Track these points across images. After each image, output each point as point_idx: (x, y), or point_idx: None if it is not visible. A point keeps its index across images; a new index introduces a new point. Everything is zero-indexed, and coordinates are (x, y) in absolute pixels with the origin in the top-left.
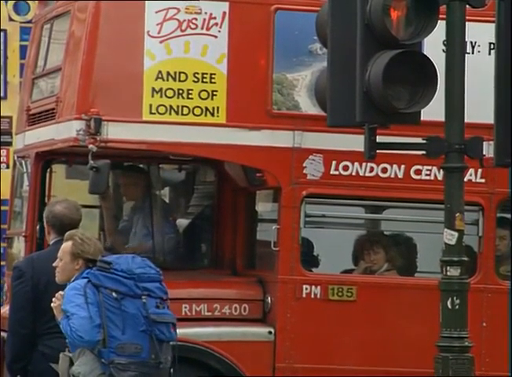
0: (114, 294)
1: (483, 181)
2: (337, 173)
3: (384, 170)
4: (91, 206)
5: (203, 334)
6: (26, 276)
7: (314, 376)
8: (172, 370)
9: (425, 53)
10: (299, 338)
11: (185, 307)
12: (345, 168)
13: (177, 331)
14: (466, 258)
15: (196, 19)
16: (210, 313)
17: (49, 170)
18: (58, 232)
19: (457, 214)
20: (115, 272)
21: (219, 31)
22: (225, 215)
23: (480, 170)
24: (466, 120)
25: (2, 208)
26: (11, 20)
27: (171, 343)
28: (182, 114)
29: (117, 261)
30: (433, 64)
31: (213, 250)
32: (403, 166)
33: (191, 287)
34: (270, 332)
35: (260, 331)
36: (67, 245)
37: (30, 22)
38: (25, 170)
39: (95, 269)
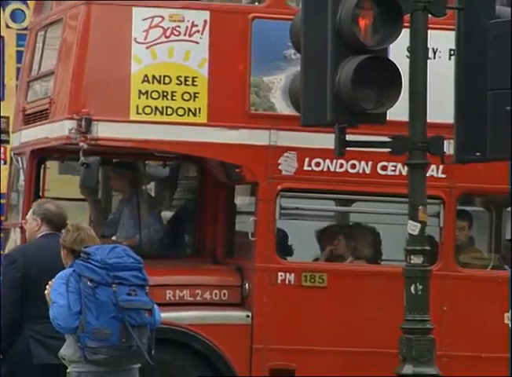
0: (89, 282)
1: (444, 176)
2: (309, 169)
3: (353, 166)
4: (82, 200)
5: (186, 317)
6: (17, 263)
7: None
8: (152, 351)
9: (390, 58)
10: (274, 322)
11: (169, 293)
12: (317, 164)
13: (162, 314)
14: (428, 247)
15: (179, 26)
16: (192, 298)
17: (43, 165)
18: (53, 226)
19: (420, 207)
20: (91, 261)
21: (200, 38)
22: (206, 208)
23: (441, 166)
24: (428, 120)
25: (0, 201)
26: (8, 27)
27: (150, 327)
28: (166, 114)
29: (95, 251)
30: (397, 69)
31: (195, 240)
32: (370, 163)
33: (174, 274)
34: (248, 316)
35: (238, 315)
36: None
37: (25, 29)
38: (21, 166)
39: (79, 260)
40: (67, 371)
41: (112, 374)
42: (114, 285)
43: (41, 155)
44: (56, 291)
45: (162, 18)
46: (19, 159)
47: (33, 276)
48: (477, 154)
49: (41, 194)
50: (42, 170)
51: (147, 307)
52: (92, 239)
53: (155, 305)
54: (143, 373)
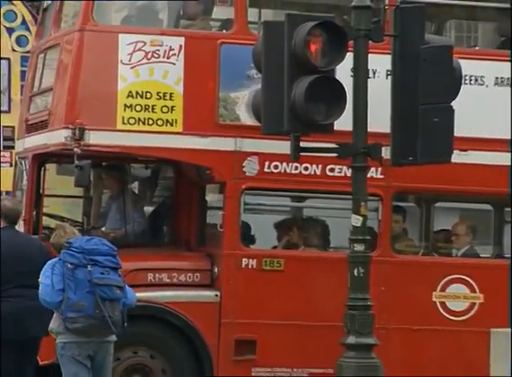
0: (69, 265)
1: (382, 177)
2: (269, 170)
3: (306, 168)
4: (76, 197)
5: (164, 296)
6: None
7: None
8: (124, 323)
9: (337, 77)
10: (239, 300)
11: (150, 275)
12: (276, 167)
13: (145, 294)
14: (368, 237)
15: (159, 50)
16: (169, 280)
17: (43, 168)
18: (9, 221)
19: (362, 203)
20: (71, 248)
21: (177, 60)
22: (182, 204)
23: (379, 169)
24: (368, 130)
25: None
26: (14, 50)
27: (124, 304)
28: (148, 124)
29: (75, 241)
30: (343, 87)
31: (172, 231)
32: (320, 166)
33: (154, 260)
34: (216, 295)
35: (209, 294)
36: None
37: (28, 52)
38: (24, 168)
39: (64, 250)
40: (56, 342)
41: (90, 344)
42: (89, 266)
43: (41, 159)
44: (44, 275)
45: (144, 43)
46: (22, 162)
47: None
48: (410, 158)
49: (41, 192)
50: (42, 172)
51: (118, 284)
52: (71, 234)
53: (129, 288)
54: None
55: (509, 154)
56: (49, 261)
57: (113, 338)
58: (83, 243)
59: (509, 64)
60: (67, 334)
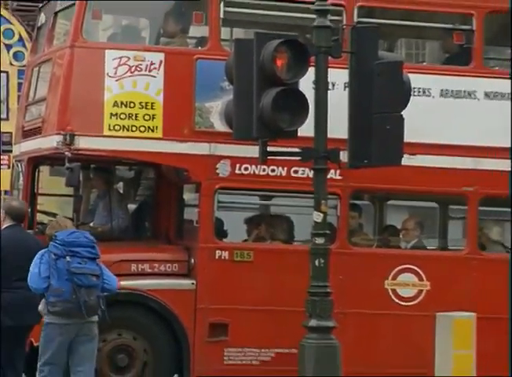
0: (53, 255)
1: (340, 178)
2: (240, 172)
3: (272, 170)
4: (67, 195)
5: (146, 285)
6: None
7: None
8: (102, 306)
9: (300, 89)
10: (213, 287)
11: (133, 266)
12: (246, 169)
13: (128, 282)
14: (328, 232)
15: (141, 64)
16: (151, 270)
17: (37, 169)
18: (15, 219)
19: (322, 201)
20: (56, 241)
21: (157, 73)
22: (162, 202)
23: (338, 171)
24: (328, 136)
25: (4, 197)
26: (11, 64)
27: (108, 288)
28: (131, 131)
29: (60, 234)
30: (305, 97)
31: (153, 226)
32: (285, 168)
33: (138, 252)
34: (193, 283)
35: (186, 283)
36: None
37: (24, 66)
38: (21, 170)
39: (51, 241)
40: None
41: (72, 325)
42: (68, 257)
43: (36, 162)
44: (34, 263)
45: (128, 58)
46: (19, 164)
47: (3, 255)
48: (365, 161)
49: (36, 191)
50: (36, 173)
51: (94, 273)
52: (64, 227)
53: (112, 275)
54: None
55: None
56: (39, 251)
57: (94, 318)
58: (65, 236)
59: (452, 77)
60: (50, 316)
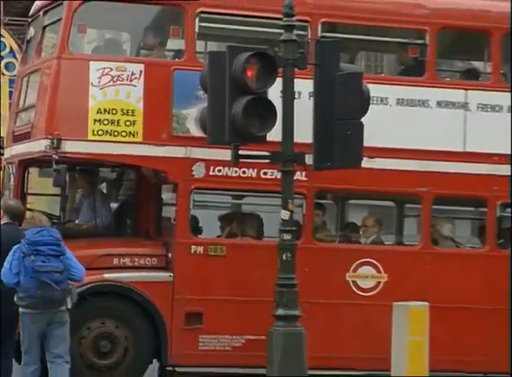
0: (22, 254)
1: (305, 179)
2: (214, 173)
3: (244, 172)
4: (55, 195)
5: (128, 277)
6: None
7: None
8: (68, 299)
9: (269, 98)
10: (189, 279)
11: (116, 260)
12: (219, 170)
13: (111, 275)
14: (295, 228)
15: (123, 74)
16: (131, 264)
17: (26, 171)
18: (12, 217)
19: (289, 200)
20: (24, 240)
21: (137, 83)
22: (142, 201)
23: (303, 172)
24: (295, 140)
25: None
26: (3, 74)
27: (74, 278)
28: (114, 135)
29: (27, 233)
30: (274, 106)
31: (134, 224)
32: (256, 170)
33: (119, 247)
34: (170, 276)
35: (164, 275)
36: None
37: (15, 76)
38: (12, 171)
39: (22, 240)
40: None
41: (43, 315)
42: (32, 255)
43: (25, 164)
44: (7, 259)
45: (111, 69)
46: (10, 166)
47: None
48: (328, 164)
49: (25, 191)
50: (26, 174)
51: (57, 270)
52: (38, 221)
53: (79, 266)
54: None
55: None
56: (13, 247)
57: (63, 308)
58: (32, 235)
59: (407, 87)
60: (22, 308)
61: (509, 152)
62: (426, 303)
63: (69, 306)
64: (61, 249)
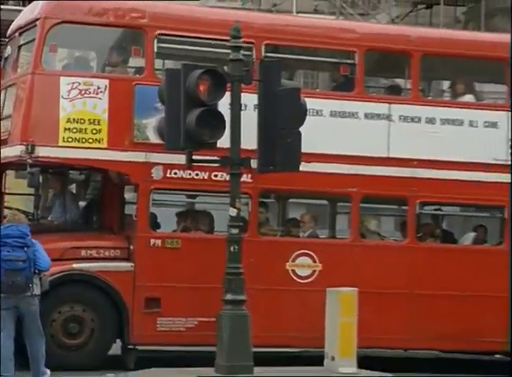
0: None
1: (251, 180)
2: (170, 175)
3: (197, 174)
4: (29, 194)
5: (94, 267)
6: None
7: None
8: (31, 285)
9: (219, 109)
10: (148, 269)
11: (83, 251)
12: (175, 173)
13: (80, 265)
14: (241, 224)
15: (90, 88)
16: (97, 255)
17: (4, 173)
18: None
19: (236, 200)
20: None
21: (103, 96)
22: (107, 200)
23: (249, 175)
24: (242, 147)
25: None
26: None
27: (40, 269)
28: (82, 142)
29: (2, 228)
30: (223, 116)
31: (100, 220)
32: (207, 172)
33: (87, 241)
34: (132, 266)
35: (126, 265)
36: None
37: None
38: None
39: None
40: None
41: (11, 298)
42: (0, 247)
43: (3, 167)
44: None
45: (79, 83)
46: None
47: None
48: (271, 167)
49: (3, 191)
50: (3, 176)
51: (20, 259)
52: (17, 219)
53: (45, 257)
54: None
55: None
56: None
57: (28, 293)
58: (3, 230)
59: (339, 101)
60: None
61: (426, 158)
62: (355, 289)
63: (37, 292)
64: (26, 241)
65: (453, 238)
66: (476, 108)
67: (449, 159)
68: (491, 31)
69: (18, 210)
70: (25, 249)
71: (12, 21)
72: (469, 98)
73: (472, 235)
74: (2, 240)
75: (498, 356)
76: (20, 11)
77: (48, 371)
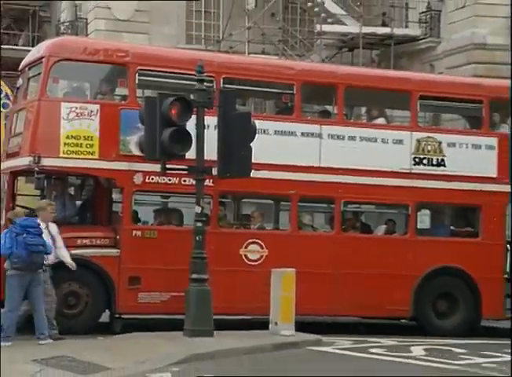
0: (14, 234)
1: (212, 184)
2: (148, 181)
3: (169, 180)
4: (36, 195)
5: (88, 252)
6: None
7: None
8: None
9: (187, 128)
10: (131, 254)
11: (79, 240)
12: (152, 179)
13: (77, 251)
14: (205, 218)
15: (85, 112)
16: (91, 243)
17: (16, 179)
18: None
19: (201, 200)
20: (15, 224)
21: (95, 117)
22: (98, 200)
23: (211, 180)
24: (205, 158)
25: None
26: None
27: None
28: (78, 154)
29: (16, 220)
30: (190, 134)
31: (92, 216)
32: (178, 178)
33: (82, 232)
34: (118, 252)
35: (113, 251)
36: None
37: (8, 112)
38: (5, 179)
39: (11, 224)
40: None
41: (26, 276)
42: (24, 233)
43: (15, 174)
44: (1, 237)
45: (76, 108)
46: (4, 176)
47: None
48: (228, 174)
49: (15, 192)
50: (15, 181)
51: (40, 243)
52: (20, 215)
53: (52, 246)
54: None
55: None
56: (4, 230)
57: (40, 270)
58: (21, 221)
59: (282, 122)
60: (12, 271)
61: (349, 167)
62: (294, 269)
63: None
64: (40, 230)
65: (369, 229)
66: (386, 129)
67: (366, 168)
68: (399, 69)
69: (26, 207)
70: (42, 236)
71: (22, 57)
72: (381, 121)
73: (383, 227)
74: (25, 229)
75: (403, 320)
76: (28, 50)
77: (47, 333)
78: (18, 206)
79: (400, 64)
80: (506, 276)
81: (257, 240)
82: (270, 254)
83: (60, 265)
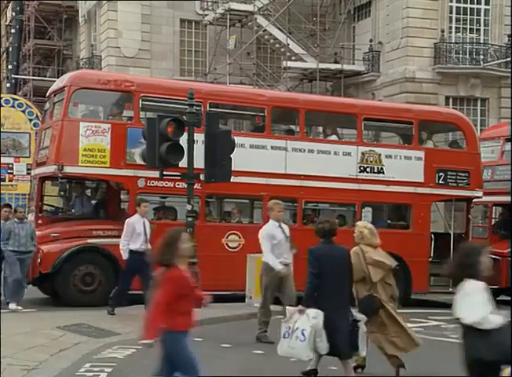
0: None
1: (201, 187)
2: (149, 185)
3: (166, 183)
4: (60, 196)
5: (101, 242)
6: None
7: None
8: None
9: (180, 143)
10: None
11: (95, 232)
12: (152, 183)
13: (93, 240)
14: (194, 215)
15: (99, 129)
16: (103, 234)
17: (44, 182)
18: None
19: (191, 200)
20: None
21: (107, 134)
22: (109, 200)
23: (199, 184)
24: (194, 166)
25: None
26: (32, 129)
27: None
28: (93, 163)
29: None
30: (183, 147)
31: (105, 213)
32: (173, 182)
33: (97, 225)
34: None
35: (119, 240)
36: None
37: (38, 130)
38: (35, 183)
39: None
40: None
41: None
42: None
43: (43, 179)
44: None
45: (92, 126)
46: (34, 180)
47: None
48: (213, 179)
49: (43, 194)
50: (43, 184)
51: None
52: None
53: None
54: None
55: None
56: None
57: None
58: None
59: (256, 138)
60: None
61: (309, 174)
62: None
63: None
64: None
65: None
66: (338, 144)
67: (322, 174)
68: (348, 97)
69: (52, 206)
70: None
71: (49, 86)
72: (334, 137)
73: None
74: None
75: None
76: (53, 81)
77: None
78: (45, 204)
79: (348, 93)
80: (430, 259)
81: (236, 232)
82: (246, 243)
83: (79, 251)
